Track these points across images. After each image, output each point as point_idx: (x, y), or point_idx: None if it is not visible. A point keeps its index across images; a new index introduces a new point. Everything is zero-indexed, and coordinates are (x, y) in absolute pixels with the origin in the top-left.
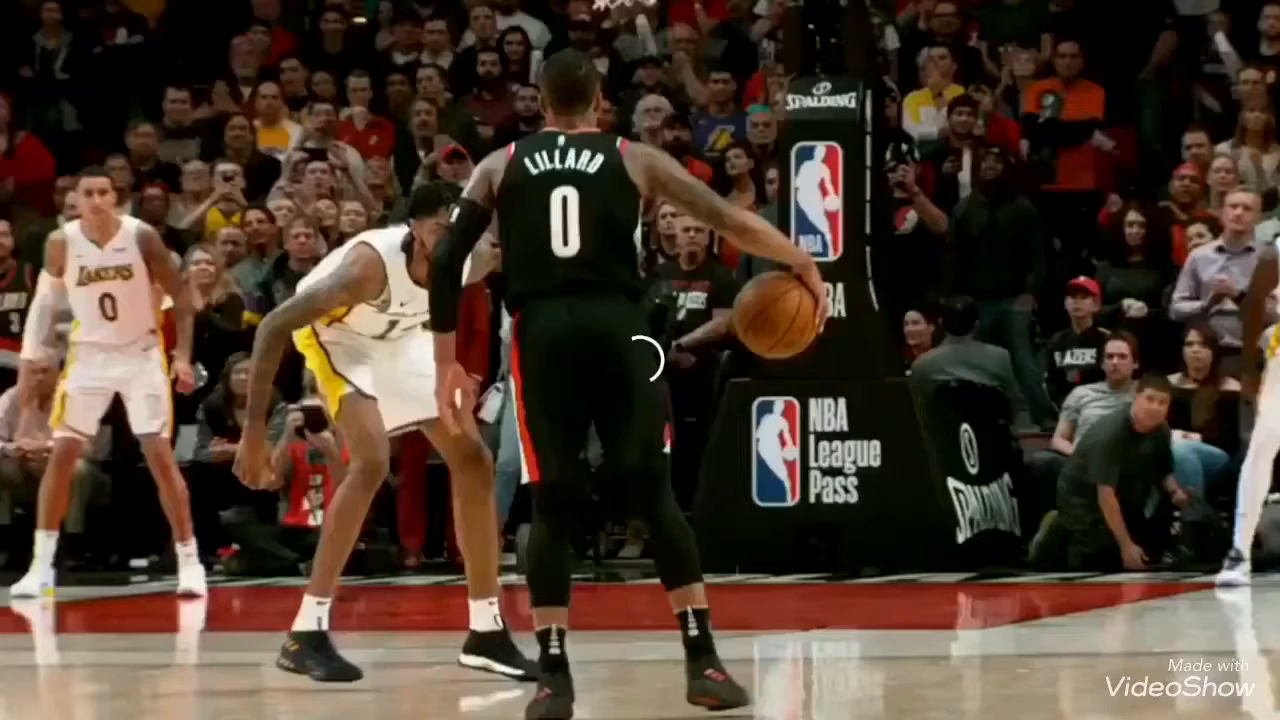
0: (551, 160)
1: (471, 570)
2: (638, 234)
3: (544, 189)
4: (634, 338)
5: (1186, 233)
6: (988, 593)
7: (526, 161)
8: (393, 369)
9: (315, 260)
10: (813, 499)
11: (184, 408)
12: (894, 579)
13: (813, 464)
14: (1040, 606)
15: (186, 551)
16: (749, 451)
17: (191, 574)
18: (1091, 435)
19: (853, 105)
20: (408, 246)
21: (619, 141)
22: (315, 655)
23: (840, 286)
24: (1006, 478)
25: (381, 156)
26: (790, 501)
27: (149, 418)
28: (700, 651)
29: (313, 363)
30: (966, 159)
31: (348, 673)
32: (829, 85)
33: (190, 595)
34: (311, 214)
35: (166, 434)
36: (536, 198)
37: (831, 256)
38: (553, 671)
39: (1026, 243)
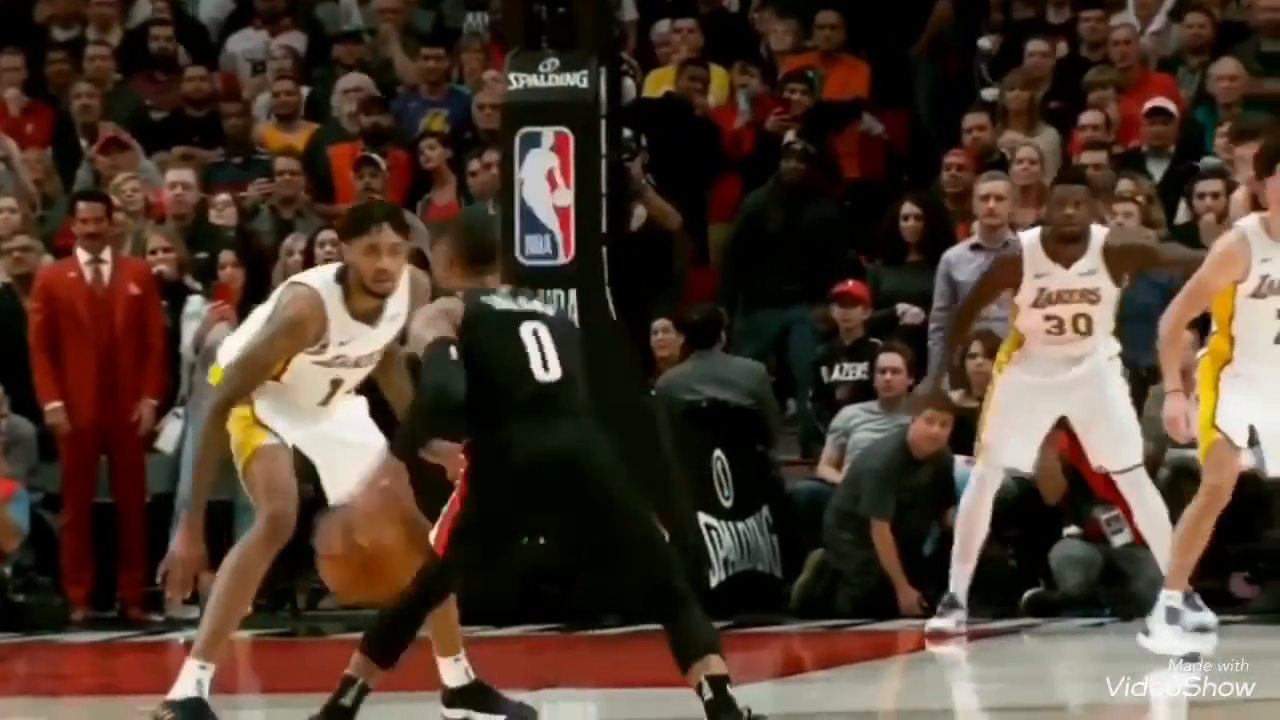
0: (506, 302)
1: (436, 633)
2: None
3: (512, 323)
4: (609, 454)
5: (971, 229)
6: (745, 643)
7: (484, 300)
8: (322, 437)
9: None
10: (542, 538)
11: None
12: (636, 629)
13: None
14: (804, 658)
15: None
16: None
17: None
18: (862, 462)
19: (585, 85)
20: (342, 277)
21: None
22: None
23: (573, 293)
24: (765, 511)
25: (39, 146)
26: None
27: None
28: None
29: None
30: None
31: None
32: (557, 62)
33: None
34: None
35: None
36: (507, 329)
37: (563, 259)
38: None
39: (826, 247)
